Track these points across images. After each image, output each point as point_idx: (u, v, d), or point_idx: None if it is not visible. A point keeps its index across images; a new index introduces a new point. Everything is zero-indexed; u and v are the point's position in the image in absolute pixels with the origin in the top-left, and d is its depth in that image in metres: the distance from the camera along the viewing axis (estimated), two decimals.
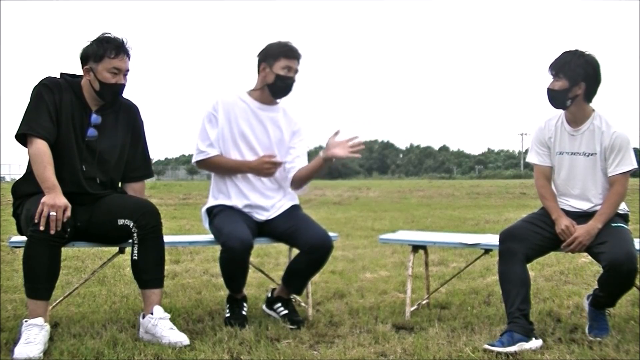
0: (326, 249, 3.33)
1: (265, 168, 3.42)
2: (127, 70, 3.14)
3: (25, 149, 3.04)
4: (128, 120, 3.30)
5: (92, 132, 3.16)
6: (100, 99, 3.15)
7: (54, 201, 2.84)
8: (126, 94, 3.24)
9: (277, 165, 3.43)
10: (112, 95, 3.14)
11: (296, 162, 3.54)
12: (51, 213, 2.82)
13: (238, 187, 3.49)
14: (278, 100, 3.57)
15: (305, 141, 3.64)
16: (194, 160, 3.53)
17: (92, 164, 3.16)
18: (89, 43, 3.11)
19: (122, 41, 3.10)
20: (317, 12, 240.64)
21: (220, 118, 3.47)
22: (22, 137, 3.04)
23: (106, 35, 3.11)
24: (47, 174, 2.93)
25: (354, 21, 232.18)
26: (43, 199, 2.84)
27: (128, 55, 3.13)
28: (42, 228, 2.80)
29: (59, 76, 3.18)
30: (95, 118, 3.17)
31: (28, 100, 3.07)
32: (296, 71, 3.47)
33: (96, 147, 3.17)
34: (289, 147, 3.57)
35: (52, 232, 2.82)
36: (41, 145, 2.98)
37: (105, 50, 3.06)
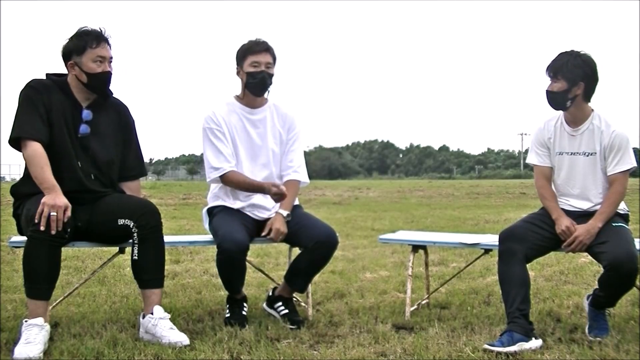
0: (332, 244, 3.34)
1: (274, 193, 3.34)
2: (111, 58, 3.16)
3: (20, 153, 3.04)
4: (120, 118, 3.31)
5: (84, 128, 3.17)
6: (90, 91, 3.16)
7: (54, 201, 2.84)
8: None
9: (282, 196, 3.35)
10: (101, 85, 3.15)
11: (290, 156, 3.56)
12: (52, 213, 2.82)
13: (239, 191, 3.48)
14: (267, 98, 3.56)
15: (299, 134, 3.62)
16: (208, 179, 3.47)
17: (86, 160, 3.16)
18: (68, 40, 3.12)
19: (100, 30, 3.12)
20: (318, 12, 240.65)
21: (225, 131, 3.46)
22: (16, 141, 3.03)
23: (83, 28, 3.13)
24: (45, 174, 2.93)
25: (354, 21, 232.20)
26: (43, 199, 2.85)
27: (109, 43, 3.15)
28: (42, 228, 2.80)
29: (44, 77, 3.18)
30: (86, 114, 3.18)
31: (17, 104, 3.07)
32: (267, 64, 3.44)
33: (89, 143, 3.17)
34: (286, 143, 3.58)
35: (53, 232, 2.82)
36: (36, 147, 2.98)
37: (86, 41, 3.08)
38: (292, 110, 3.63)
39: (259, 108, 3.55)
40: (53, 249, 2.88)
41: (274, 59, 3.49)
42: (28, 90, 3.07)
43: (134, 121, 3.39)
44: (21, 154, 3.03)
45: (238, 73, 3.51)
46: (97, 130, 3.19)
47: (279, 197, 3.31)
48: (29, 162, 3.00)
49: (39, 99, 3.05)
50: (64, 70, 3.18)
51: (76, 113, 3.15)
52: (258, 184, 3.39)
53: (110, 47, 3.15)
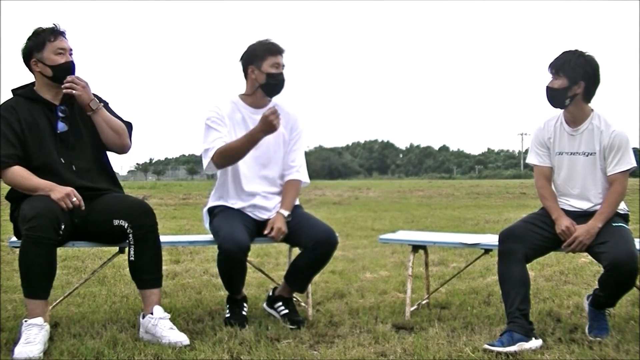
0: (331, 244, 3.34)
1: (273, 121, 3.25)
2: (71, 49, 3.20)
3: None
4: None
5: (62, 126, 3.19)
6: (57, 84, 3.17)
7: (62, 191, 2.96)
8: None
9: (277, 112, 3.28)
10: (66, 74, 3.16)
11: (292, 156, 3.56)
12: (73, 200, 2.96)
13: (241, 190, 3.49)
14: (270, 99, 3.56)
15: (301, 134, 3.62)
16: (204, 164, 3.45)
17: (69, 155, 3.17)
18: (25, 41, 3.18)
19: (55, 25, 3.18)
20: (318, 12, 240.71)
21: (227, 123, 3.45)
22: None
23: (38, 28, 3.18)
24: (34, 181, 3.02)
25: (354, 21, 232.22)
26: (54, 197, 2.94)
27: (65, 37, 3.19)
28: (65, 207, 2.94)
29: (10, 94, 3.22)
30: (61, 111, 3.20)
31: None
32: (284, 66, 3.46)
33: (69, 138, 3.19)
34: (288, 142, 3.58)
35: (83, 208, 2.99)
36: (15, 169, 3.04)
37: (44, 37, 3.14)
38: (295, 110, 3.63)
39: (263, 108, 3.55)
40: (48, 248, 2.89)
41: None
42: None
43: (107, 103, 3.38)
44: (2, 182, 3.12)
45: (251, 72, 3.47)
46: (75, 124, 3.21)
47: (270, 121, 3.24)
48: (15, 183, 3.07)
49: (6, 123, 3.08)
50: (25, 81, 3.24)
51: (51, 113, 3.18)
52: (247, 135, 3.32)
53: (66, 39, 3.20)
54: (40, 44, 3.14)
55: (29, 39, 3.17)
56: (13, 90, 3.24)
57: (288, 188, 3.53)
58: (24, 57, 3.18)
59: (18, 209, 3.09)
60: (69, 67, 3.17)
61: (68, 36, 3.21)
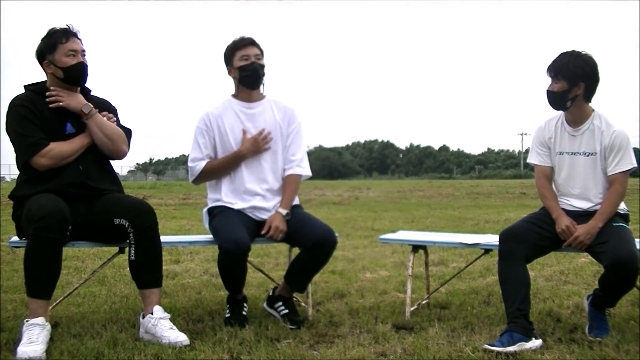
0: (331, 243, 3.33)
1: (262, 146, 3.45)
2: (84, 51, 3.19)
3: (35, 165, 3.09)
4: (102, 111, 3.30)
5: (69, 128, 3.20)
6: (69, 85, 3.18)
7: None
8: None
9: (269, 137, 3.46)
10: (78, 76, 3.17)
11: (292, 150, 3.57)
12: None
13: (240, 189, 3.49)
14: (264, 93, 3.58)
15: (299, 127, 3.62)
16: (190, 180, 3.59)
17: (77, 157, 3.17)
18: (40, 42, 3.17)
19: (68, 26, 3.17)
20: (318, 12, 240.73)
21: (215, 130, 3.50)
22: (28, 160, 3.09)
23: (51, 29, 3.17)
24: (73, 143, 3.09)
25: (354, 21, 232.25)
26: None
27: (78, 37, 3.18)
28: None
29: (23, 90, 3.22)
30: (71, 112, 3.20)
31: (9, 126, 3.11)
32: (257, 56, 3.47)
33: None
34: (287, 136, 3.59)
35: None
36: (52, 146, 3.06)
37: (56, 39, 3.13)
38: (291, 104, 3.64)
39: (256, 102, 3.55)
40: (55, 247, 2.89)
41: (262, 51, 3.50)
42: (17, 109, 3.11)
43: (116, 109, 3.39)
44: (41, 167, 3.07)
45: (230, 73, 3.53)
46: (82, 126, 3.20)
47: (258, 145, 3.43)
48: (64, 155, 3.08)
49: (29, 113, 3.09)
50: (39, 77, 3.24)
51: (61, 113, 3.18)
52: (233, 154, 3.45)
53: (80, 40, 3.19)
54: (51, 45, 3.12)
55: (42, 40, 3.16)
56: (26, 86, 3.23)
57: (287, 184, 3.53)
58: (37, 59, 3.18)
59: (21, 208, 3.09)
60: (80, 69, 3.16)
61: (81, 37, 3.21)
